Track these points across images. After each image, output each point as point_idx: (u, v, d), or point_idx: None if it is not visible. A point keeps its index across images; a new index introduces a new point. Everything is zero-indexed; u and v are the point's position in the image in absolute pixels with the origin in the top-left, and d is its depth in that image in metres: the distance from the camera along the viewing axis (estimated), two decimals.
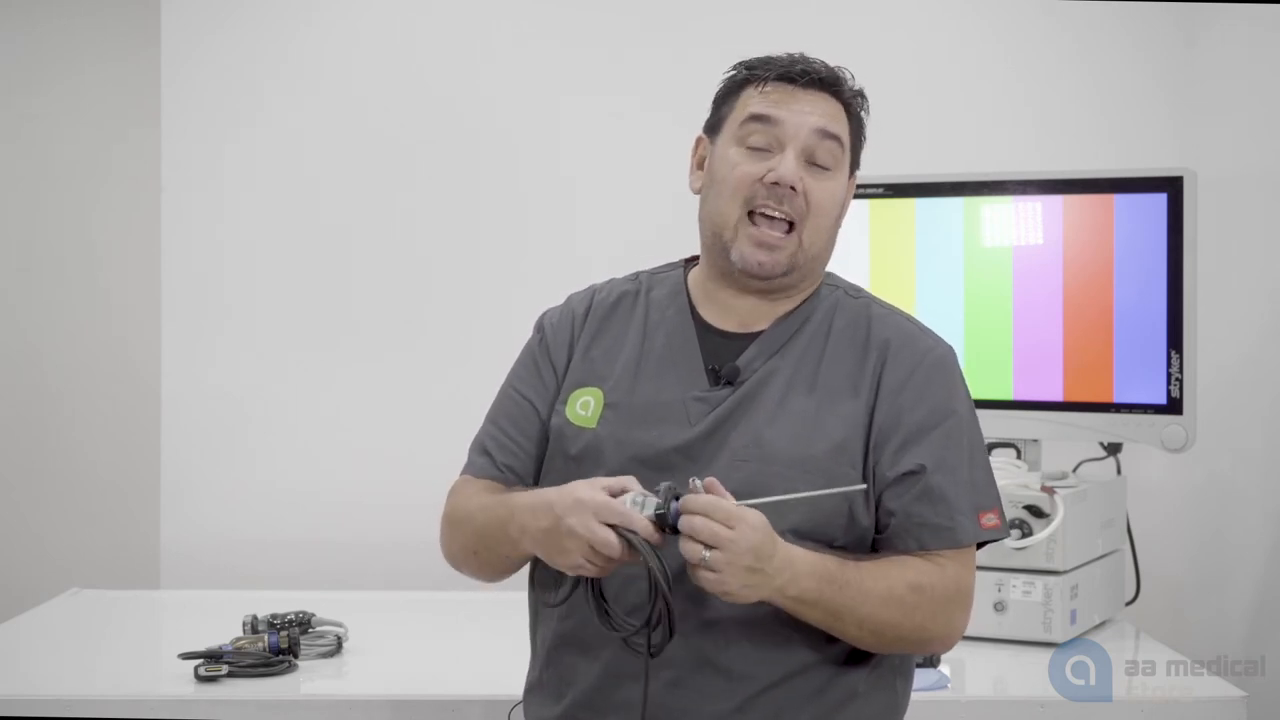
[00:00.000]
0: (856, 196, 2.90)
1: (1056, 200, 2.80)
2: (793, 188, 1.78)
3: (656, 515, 1.63)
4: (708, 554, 1.60)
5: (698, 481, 1.64)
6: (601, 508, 1.64)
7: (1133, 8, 3.32)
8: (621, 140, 3.35)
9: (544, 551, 1.71)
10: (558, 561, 1.70)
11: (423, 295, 3.41)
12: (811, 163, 1.80)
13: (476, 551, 1.84)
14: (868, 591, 1.70)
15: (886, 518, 1.76)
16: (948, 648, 1.83)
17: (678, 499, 1.63)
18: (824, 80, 1.82)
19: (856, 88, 1.85)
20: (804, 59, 1.83)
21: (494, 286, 3.38)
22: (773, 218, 1.79)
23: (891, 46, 3.38)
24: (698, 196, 1.88)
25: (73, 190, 3.64)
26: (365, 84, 3.41)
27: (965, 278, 2.86)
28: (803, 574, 1.67)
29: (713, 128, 1.86)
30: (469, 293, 3.40)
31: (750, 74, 1.83)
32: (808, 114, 1.80)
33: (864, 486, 1.73)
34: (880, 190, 2.89)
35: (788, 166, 1.78)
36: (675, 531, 1.63)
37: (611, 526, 1.63)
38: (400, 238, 3.41)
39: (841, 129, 1.82)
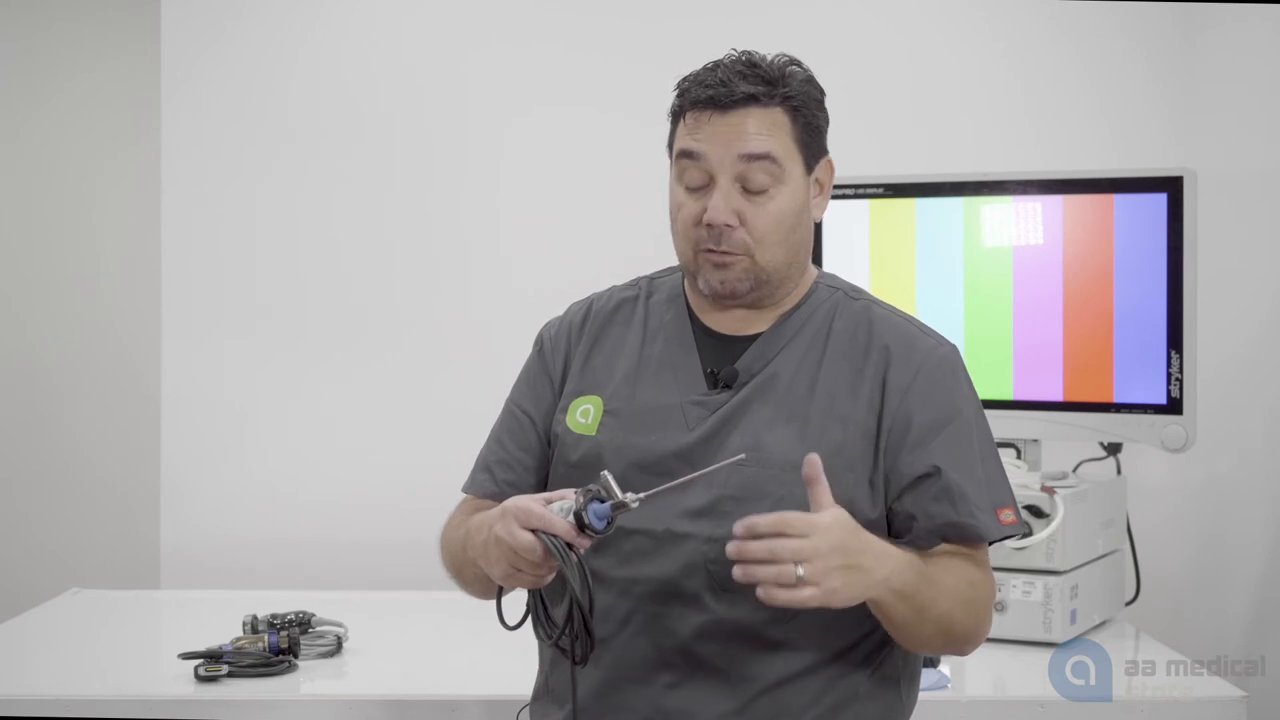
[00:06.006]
0: (856, 197, 2.95)
1: (1056, 200, 2.80)
2: (729, 224, 1.74)
3: (575, 516, 1.60)
4: (801, 570, 1.55)
5: (607, 475, 1.61)
6: (522, 512, 1.61)
7: (1133, 8, 3.32)
8: (620, 141, 3.34)
9: (485, 565, 1.68)
10: (494, 574, 1.68)
11: (422, 297, 3.40)
12: (748, 190, 1.75)
13: (457, 571, 1.86)
14: (943, 586, 1.69)
15: (907, 522, 1.74)
16: (976, 647, 1.80)
17: (602, 501, 1.60)
18: (748, 95, 1.73)
19: (803, 76, 1.77)
20: (726, 76, 1.74)
21: (492, 289, 3.38)
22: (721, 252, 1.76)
23: (891, 47, 3.38)
24: None
25: (73, 191, 3.65)
26: (366, 85, 3.40)
27: (965, 278, 2.86)
28: (902, 565, 1.64)
29: (670, 151, 1.83)
30: (468, 295, 3.39)
31: (679, 101, 1.79)
32: (732, 142, 1.73)
33: (743, 457, 1.66)
34: (880, 190, 2.89)
35: (716, 209, 1.73)
36: (596, 533, 1.60)
37: (534, 532, 1.60)
38: (400, 239, 3.41)
39: (775, 143, 1.73)
